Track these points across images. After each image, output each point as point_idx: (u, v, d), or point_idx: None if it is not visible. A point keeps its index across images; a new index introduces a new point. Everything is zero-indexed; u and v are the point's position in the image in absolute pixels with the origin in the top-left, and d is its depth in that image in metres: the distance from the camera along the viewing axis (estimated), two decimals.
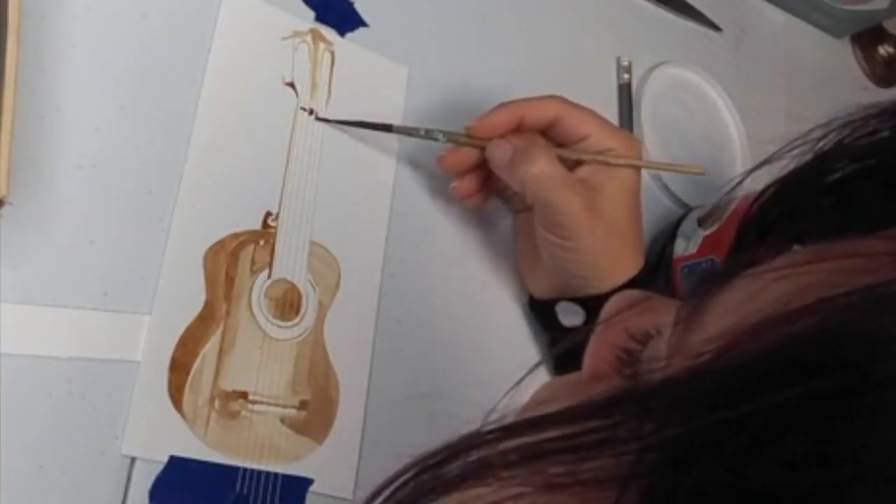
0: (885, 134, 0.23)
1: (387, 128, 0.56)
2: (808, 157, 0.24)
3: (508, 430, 0.21)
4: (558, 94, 0.57)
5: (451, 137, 0.55)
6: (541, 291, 0.58)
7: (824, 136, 0.24)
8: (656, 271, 0.67)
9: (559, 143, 0.56)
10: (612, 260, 0.54)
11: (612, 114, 0.72)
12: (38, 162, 0.46)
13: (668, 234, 0.67)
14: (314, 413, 0.50)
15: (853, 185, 0.24)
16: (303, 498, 0.49)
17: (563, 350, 0.57)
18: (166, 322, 0.47)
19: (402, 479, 0.22)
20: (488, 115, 0.55)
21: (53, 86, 0.47)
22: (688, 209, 0.69)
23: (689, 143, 0.75)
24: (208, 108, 0.52)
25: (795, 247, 0.22)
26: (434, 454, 0.22)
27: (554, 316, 0.57)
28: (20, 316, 0.44)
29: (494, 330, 0.59)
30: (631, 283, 0.54)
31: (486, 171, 0.56)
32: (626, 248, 0.55)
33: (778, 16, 0.88)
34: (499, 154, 0.54)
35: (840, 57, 0.92)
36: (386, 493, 0.22)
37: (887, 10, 0.86)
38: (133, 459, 0.45)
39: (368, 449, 0.51)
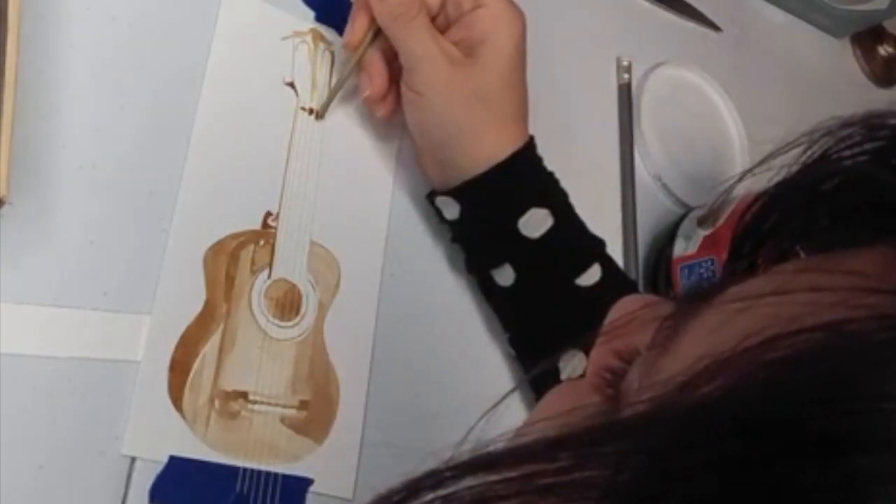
0: (867, 147, 0.23)
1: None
2: (797, 164, 0.24)
3: (464, 469, 0.21)
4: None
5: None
6: (432, 179, 0.56)
7: (812, 145, 0.23)
8: (656, 271, 0.67)
9: (456, 18, 0.53)
10: (477, 134, 0.52)
11: (611, 114, 0.72)
12: (38, 162, 0.46)
13: (667, 235, 0.67)
14: (314, 413, 0.50)
15: (841, 197, 0.23)
16: (302, 498, 0.49)
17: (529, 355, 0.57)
18: (166, 322, 0.47)
19: None
20: (348, 27, 0.53)
21: (53, 86, 0.47)
22: (687, 209, 0.70)
23: (688, 142, 0.75)
24: (208, 108, 0.52)
25: (780, 264, 0.22)
26: (394, 492, 0.22)
27: (440, 210, 0.56)
28: (20, 316, 0.44)
29: (495, 330, 0.59)
30: (504, 165, 0.52)
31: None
32: (495, 122, 0.52)
33: (778, 16, 0.88)
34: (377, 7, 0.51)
35: (840, 57, 0.92)
36: None
37: (887, 10, 0.86)
38: (133, 459, 0.45)
39: (368, 449, 0.51)
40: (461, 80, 0.51)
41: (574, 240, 0.56)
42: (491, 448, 0.21)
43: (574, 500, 0.18)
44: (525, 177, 0.54)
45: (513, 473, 0.20)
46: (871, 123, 0.23)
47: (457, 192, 0.54)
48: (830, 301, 0.19)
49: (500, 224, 0.54)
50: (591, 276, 0.54)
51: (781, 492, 0.16)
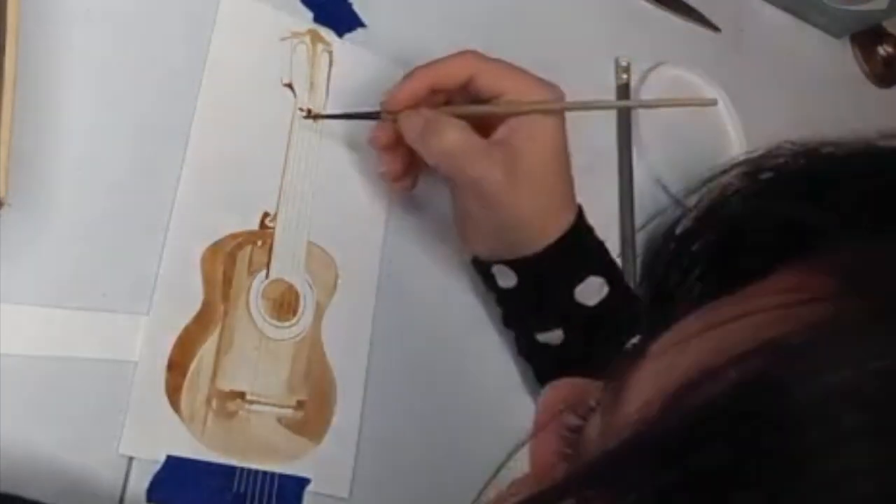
0: (750, 190, 0.25)
1: (375, 115, 0.54)
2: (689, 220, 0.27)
3: None
4: None
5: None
6: (478, 253, 0.57)
7: (700, 198, 0.26)
8: (653, 271, 0.67)
9: (476, 102, 0.53)
10: (540, 222, 0.53)
11: (610, 114, 0.72)
12: (37, 163, 0.46)
13: (665, 235, 0.67)
14: (311, 413, 0.50)
15: (733, 243, 0.25)
16: (299, 497, 0.49)
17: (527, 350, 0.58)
18: (164, 322, 0.47)
19: None
20: (399, 85, 0.53)
21: (52, 87, 0.48)
22: (686, 209, 0.69)
23: (687, 143, 0.75)
24: (206, 109, 0.52)
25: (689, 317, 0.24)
26: None
27: (493, 277, 0.56)
28: (19, 316, 0.44)
29: (492, 330, 0.59)
30: (562, 241, 0.53)
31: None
32: (553, 207, 0.54)
33: (778, 16, 0.88)
34: (409, 126, 0.52)
35: (839, 57, 0.92)
36: None
37: (886, 10, 0.86)
38: (130, 459, 0.45)
39: (365, 449, 0.51)
40: (520, 183, 0.51)
41: (626, 306, 0.57)
42: None
43: None
44: (582, 247, 0.56)
45: None
46: (748, 170, 0.25)
47: (515, 265, 0.54)
48: (761, 322, 0.20)
49: (558, 292, 0.55)
50: None
51: None
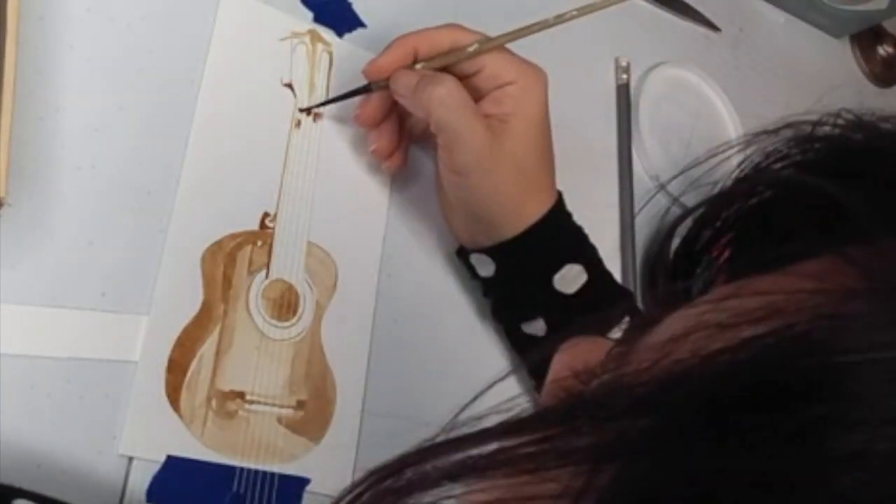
0: (798, 159, 0.24)
1: (365, 89, 0.54)
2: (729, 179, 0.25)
3: (455, 443, 0.22)
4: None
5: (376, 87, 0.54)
6: (461, 239, 0.57)
7: (743, 160, 0.25)
8: (653, 270, 0.67)
9: (456, 76, 0.53)
10: (518, 203, 0.53)
11: (610, 114, 0.72)
12: (36, 163, 0.46)
13: (665, 234, 0.67)
14: (311, 413, 0.50)
15: (777, 209, 0.24)
16: (300, 497, 0.49)
17: (533, 361, 0.57)
18: (164, 322, 0.47)
19: (358, 490, 0.23)
20: (381, 54, 0.53)
21: (52, 87, 0.48)
22: (686, 209, 0.69)
23: (687, 142, 0.75)
24: (206, 109, 0.52)
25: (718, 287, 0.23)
26: (389, 465, 0.23)
27: (474, 267, 0.56)
28: (19, 316, 0.44)
29: (493, 329, 0.59)
30: (539, 225, 0.53)
31: (400, 120, 0.55)
32: (532, 189, 0.53)
33: (777, 16, 0.88)
34: (403, 81, 0.52)
35: (839, 57, 0.92)
36: (344, 502, 0.23)
37: (886, 10, 0.86)
38: (130, 459, 0.45)
39: (365, 449, 0.51)
40: (501, 156, 0.51)
41: (608, 294, 0.56)
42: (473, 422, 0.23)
43: (552, 468, 0.20)
44: (559, 234, 0.55)
45: (502, 444, 0.21)
46: (798, 136, 0.24)
47: (493, 252, 0.54)
48: (776, 307, 0.20)
49: (536, 280, 0.55)
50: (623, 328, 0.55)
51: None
